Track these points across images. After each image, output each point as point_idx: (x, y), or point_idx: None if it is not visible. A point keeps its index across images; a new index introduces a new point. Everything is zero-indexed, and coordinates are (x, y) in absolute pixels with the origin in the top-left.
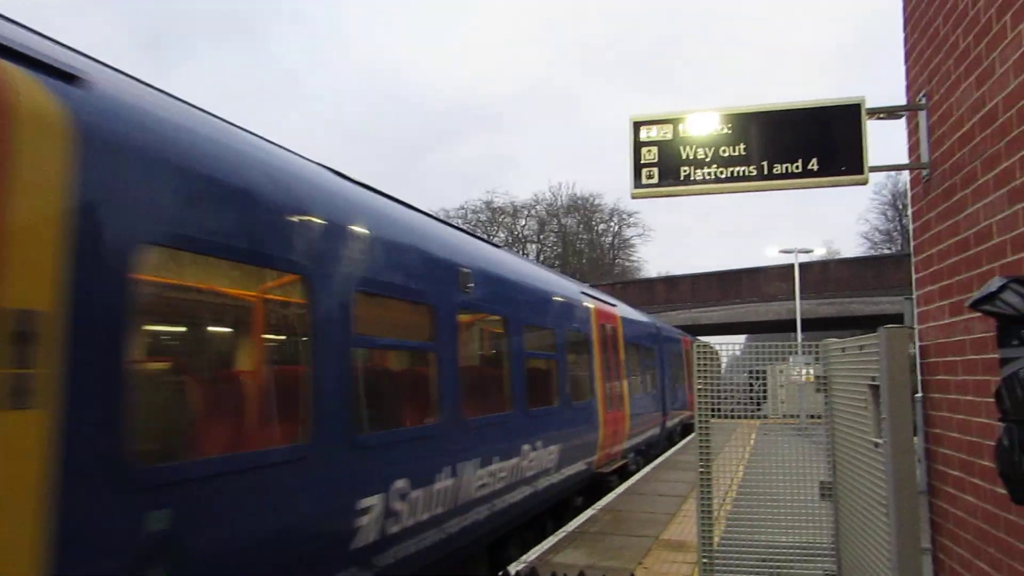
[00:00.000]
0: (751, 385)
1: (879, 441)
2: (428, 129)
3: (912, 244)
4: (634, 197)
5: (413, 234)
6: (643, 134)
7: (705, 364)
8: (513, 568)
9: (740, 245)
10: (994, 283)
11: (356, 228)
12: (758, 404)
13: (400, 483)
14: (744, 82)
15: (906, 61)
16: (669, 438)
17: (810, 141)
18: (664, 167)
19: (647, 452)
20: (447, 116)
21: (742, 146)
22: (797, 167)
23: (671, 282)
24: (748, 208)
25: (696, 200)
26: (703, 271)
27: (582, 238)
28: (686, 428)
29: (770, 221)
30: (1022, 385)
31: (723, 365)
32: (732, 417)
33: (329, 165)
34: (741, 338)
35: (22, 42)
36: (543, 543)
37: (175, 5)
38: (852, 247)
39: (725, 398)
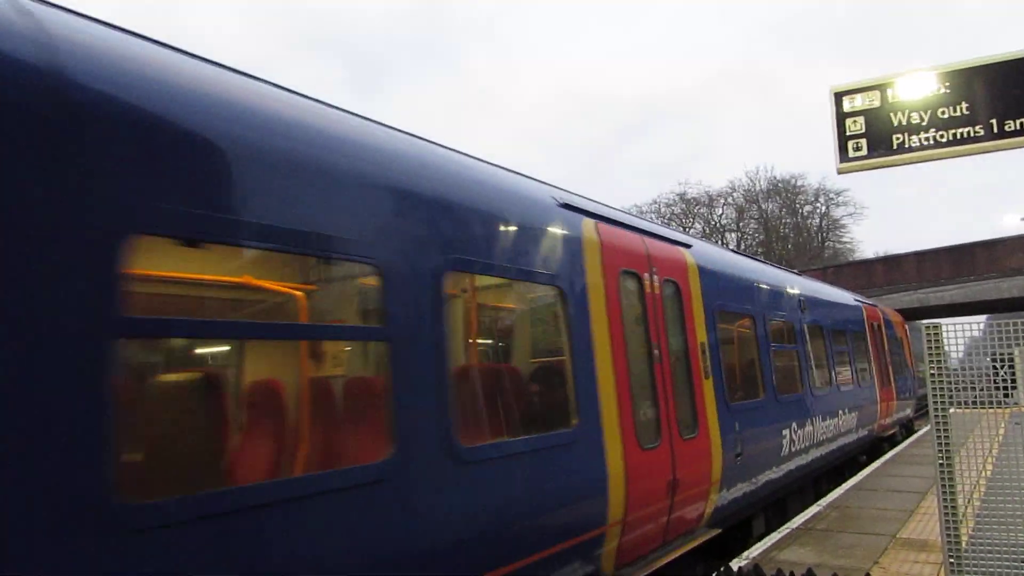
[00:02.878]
0: (996, 370)
1: None
2: (619, 127)
3: None
4: (840, 172)
5: None
6: (847, 104)
7: (938, 349)
8: (735, 564)
9: (970, 217)
10: None
11: None
12: (1006, 391)
13: None
14: (968, 38)
15: None
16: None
17: None
18: (873, 137)
19: None
20: (639, 111)
21: (964, 105)
22: None
23: (891, 262)
24: (976, 176)
25: (914, 171)
26: (929, 248)
27: (785, 222)
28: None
29: (1006, 187)
30: None
31: (956, 350)
32: (975, 406)
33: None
34: (981, 318)
35: None
36: (766, 539)
37: (380, 40)
38: None
39: (964, 386)
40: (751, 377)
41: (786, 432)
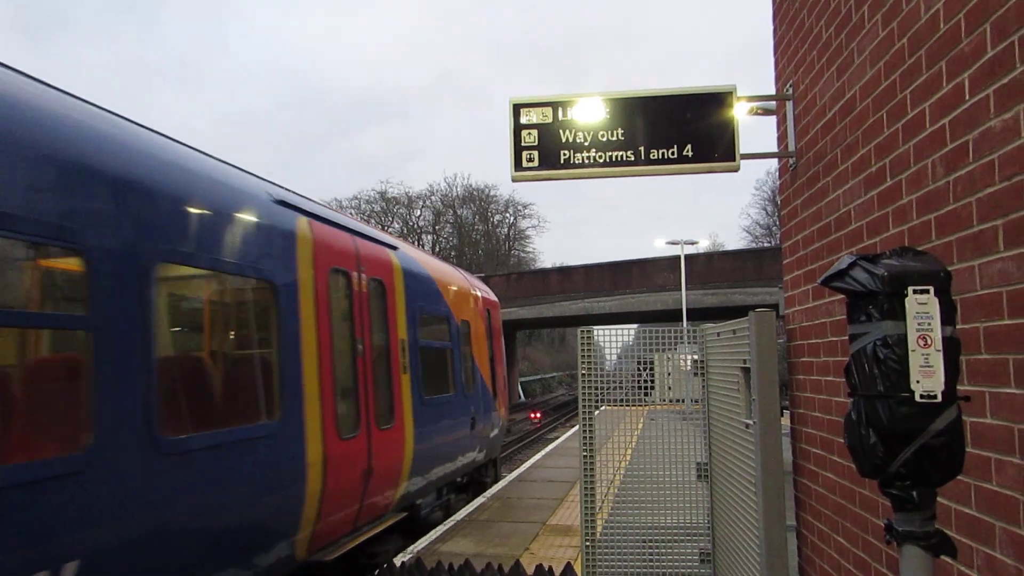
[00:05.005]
0: (640, 372)
1: (750, 422)
2: (333, 117)
3: (780, 231)
4: (514, 180)
5: None
6: (523, 118)
7: (589, 352)
8: (399, 559)
9: (634, 238)
10: (844, 261)
11: None
12: (647, 391)
13: None
14: (653, 77)
15: (775, 52)
16: None
17: (686, 128)
18: (544, 151)
19: None
20: (351, 107)
21: (620, 131)
22: (673, 153)
23: (565, 272)
24: (642, 203)
25: (592, 193)
26: (596, 262)
27: (477, 229)
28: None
29: (662, 215)
30: (869, 360)
31: (611, 353)
32: (622, 404)
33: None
34: (633, 327)
35: None
36: (431, 533)
37: None
38: (735, 240)
39: (613, 386)
40: None
41: None
